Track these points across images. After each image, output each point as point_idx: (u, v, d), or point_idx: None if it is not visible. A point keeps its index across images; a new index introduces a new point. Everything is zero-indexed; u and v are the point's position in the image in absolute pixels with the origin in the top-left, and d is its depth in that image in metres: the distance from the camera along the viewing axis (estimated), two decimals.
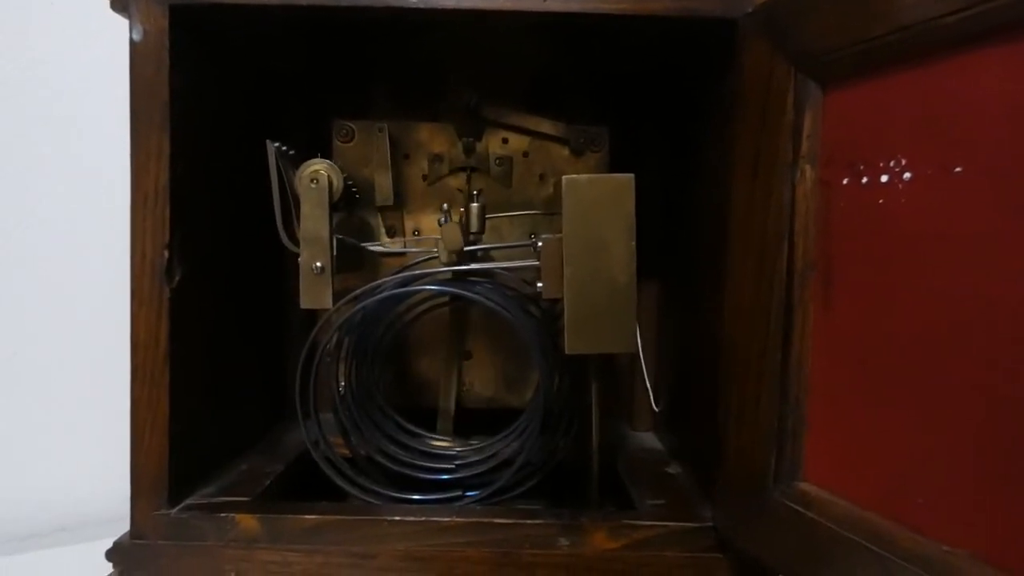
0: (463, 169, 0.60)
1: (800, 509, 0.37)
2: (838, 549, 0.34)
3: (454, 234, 0.50)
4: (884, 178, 0.33)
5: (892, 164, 0.33)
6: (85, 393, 0.74)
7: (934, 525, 0.31)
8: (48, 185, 0.73)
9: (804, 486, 0.38)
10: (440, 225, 0.52)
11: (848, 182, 0.36)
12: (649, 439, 0.68)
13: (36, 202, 0.73)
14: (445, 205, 0.51)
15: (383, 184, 0.58)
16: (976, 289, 0.30)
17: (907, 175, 0.32)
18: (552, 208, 0.59)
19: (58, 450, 0.75)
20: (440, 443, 0.57)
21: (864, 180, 0.35)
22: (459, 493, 0.51)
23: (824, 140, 0.37)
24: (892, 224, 0.33)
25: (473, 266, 0.52)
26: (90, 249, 0.73)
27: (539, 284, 0.47)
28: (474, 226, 0.55)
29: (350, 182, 0.54)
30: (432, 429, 0.58)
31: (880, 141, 0.34)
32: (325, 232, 0.48)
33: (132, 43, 0.44)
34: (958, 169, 0.30)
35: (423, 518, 0.46)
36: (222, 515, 0.46)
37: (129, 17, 0.44)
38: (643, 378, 0.57)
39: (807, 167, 0.38)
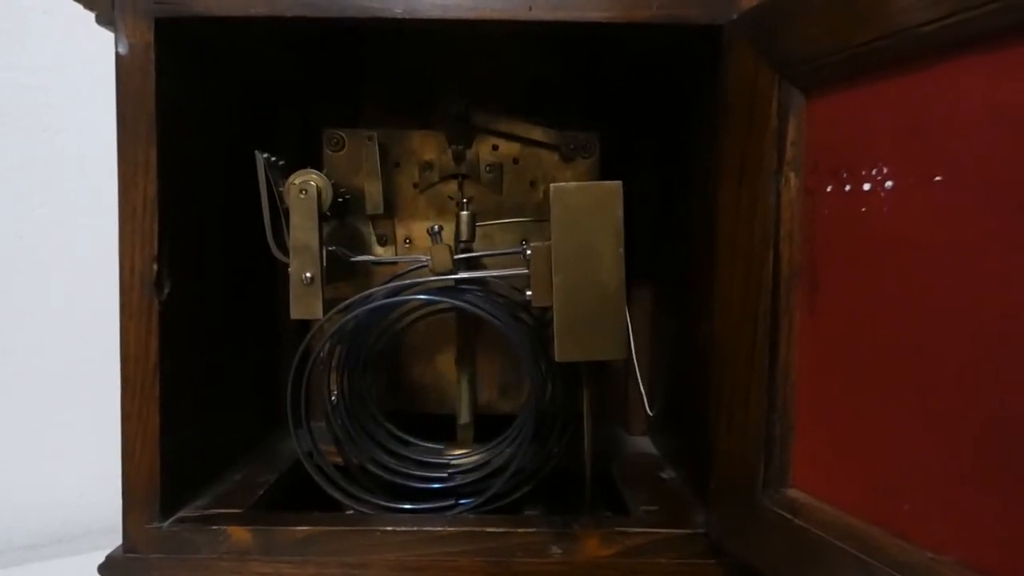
0: (454, 176, 0.60)
1: (788, 515, 0.37)
2: (825, 556, 0.34)
3: (443, 256, 0.50)
4: (866, 186, 0.33)
5: (874, 172, 0.33)
6: (82, 404, 0.74)
7: (919, 532, 0.31)
8: (41, 196, 0.74)
9: (792, 492, 0.38)
10: (429, 234, 0.52)
11: (832, 189, 0.36)
12: (644, 443, 0.68)
13: (29, 213, 0.73)
14: (436, 226, 0.51)
15: (373, 193, 0.58)
16: (959, 296, 0.30)
17: (888, 183, 0.32)
18: (543, 215, 0.59)
19: (54, 461, 0.75)
20: (433, 451, 0.57)
21: (847, 188, 0.35)
22: (452, 501, 0.51)
23: (808, 147, 0.37)
24: (874, 232, 0.33)
25: (463, 274, 0.52)
26: (87, 260, 0.73)
27: (528, 292, 0.47)
28: (464, 234, 0.55)
29: (342, 189, 0.55)
30: (425, 437, 0.58)
31: (862, 149, 0.34)
32: (315, 242, 0.48)
33: (118, 56, 0.44)
34: (938, 178, 0.30)
35: (415, 527, 0.46)
36: (214, 527, 0.46)
37: (115, 31, 0.44)
38: (637, 382, 0.57)
39: (791, 174, 0.38)
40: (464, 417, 0.59)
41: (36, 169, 0.73)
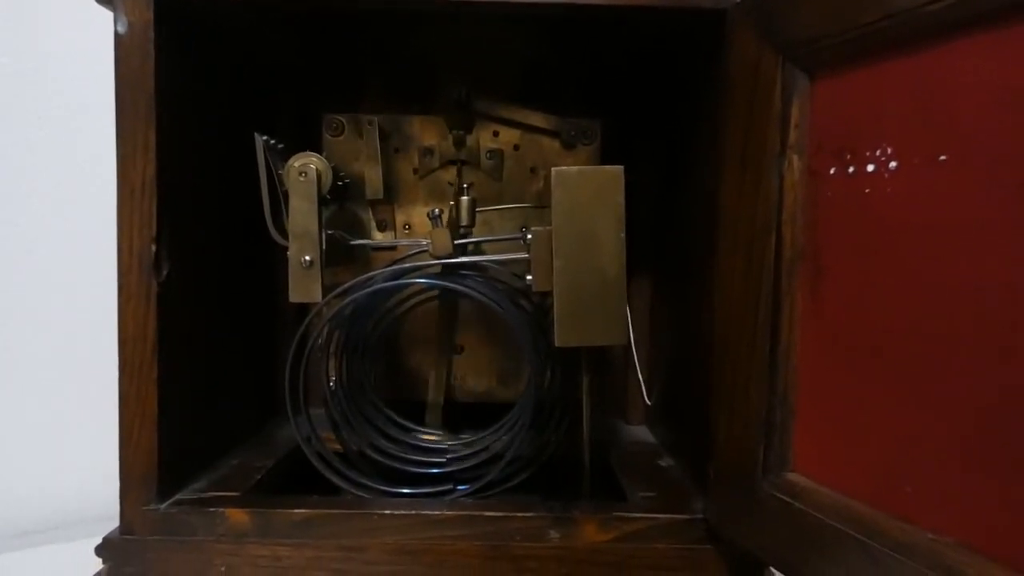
0: (453, 162, 0.60)
1: (788, 500, 0.37)
2: (826, 539, 0.34)
3: (443, 240, 0.50)
4: (870, 167, 0.33)
5: (878, 153, 0.33)
6: (79, 390, 0.74)
7: (920, 513, 0.31)
8: (38, 180, 0.73)
9: (792, 477, 0.38)
10: (429, 217, 0.52)
11: (835, 172, 0.35)
12: (642, 432, 0.68)
13: (26, 197, 0.73)
14: (436, 210, 0.51)
15: (373, 178, 0.57)
16: (961, 278, 0.29)
17: (893, 164, 0.32)
18: (543, 202, 0.59)
19: (52, 448, 0.75)
20: (431, 437, 0.57)
21: (851, 170, 0.34)
22: (450, 487, 0.51)
23: (812, 130, 0.37)
24: (878, 214, 0.33)
25: (463, 259, 0.52)
26: (83, 243, 0.73)
27: (528, 277, 0.47)
28: (464, 219, 0.55)
29: (342, 174, 0.54)
30: (423, 422, 0.58)
31: (866, 130, 0.34)
32: (314, 226, 0.48)
33: (117, 35, 0.43)
34: (943, 158, 0.30)
35: (413, 511, 0.46)
36: (212, 510, 0.45)
37: (114, 9, 0.43)
38: (636, 371, 0.57)
39: (795, 157, 0.37)
40: (435, 398, 0.59)
41: (31, 156, 0.73)
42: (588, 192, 0.45)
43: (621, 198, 0.45)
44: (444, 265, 0.52)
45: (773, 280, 0.38)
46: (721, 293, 0.43)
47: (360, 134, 0.58)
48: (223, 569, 0.45)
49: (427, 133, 0.60)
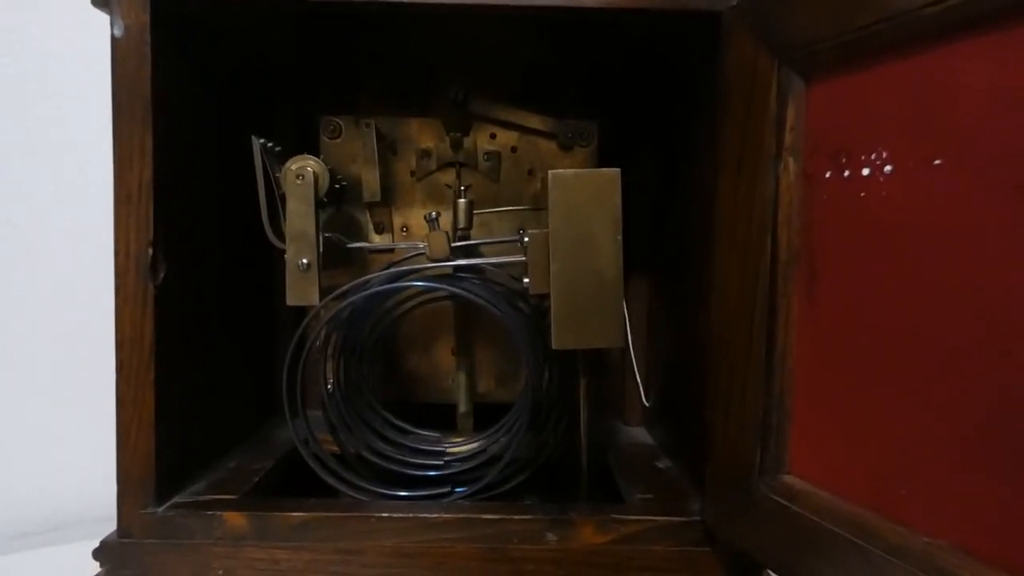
0: (451, 165, 0.60)
1: (784, 502, 0.37)
2: (821, 542, 0.34)
3: (440, 243, 0.50)
4: (865, 171, 0.33)
5: (873, 157, 0.33)
6: (76, 394, 0.74)
7: (916, 517, 0.31)
8: (38, 180, 0.73)
9: (789, 479, 0.38)
10: (427, 220, 0.52)
11: (830, 175, 0.35)
12: (640, 434, 0.68)
13: (26, 197, 0.73)
14: (434, 213, 0.51)
15: (370, 180, 0.57)
16: (957, 281, 0.29)
17: (888, 168, 0.32)
18: (540, 204, 0.59)
19: (52, 448, 0.75)
20: (429, 439, 0.57)
21: (846, 173, 0.34)
22: (448, 489, 0.51)
23: (807, 133, 0.37)
24: (873, 217, 0.33)
25: (461, 262, 0.52)
26: (83, 244, 0.73)
27: (526, 280, 0.47)
28: (462, 222, 0.55)
29: (339, 176, 0.54)
30: (421, 425, 0.58)
31: (861, 134, 0.34)
32: (311, 228, 0.48)
33: (113, 39, 0.43)
34: (937, 161, 0.30)
35: (411, 514, 0.46)
36: (209, 513, 0.46)
37: (110, 12, 0.43)
38: (634, 373, 0.57)
39: (790, 160, 0.37)
40: (463, 406, 0.59)
41: (31, 156, 0.73)
42: (585, 195, 0.45)
43: (618, 200, 0.45)
44: (442, 268, 0.52)
45: (769, 283, 0.38)
46: (717, 295, 0.43)
47: (357, 136, 0.58)
48: (220, 572, 0.45)
49: (424, 135, 0.60)
